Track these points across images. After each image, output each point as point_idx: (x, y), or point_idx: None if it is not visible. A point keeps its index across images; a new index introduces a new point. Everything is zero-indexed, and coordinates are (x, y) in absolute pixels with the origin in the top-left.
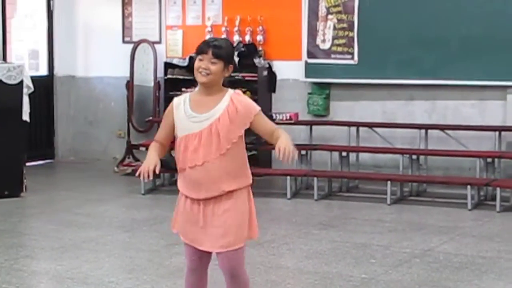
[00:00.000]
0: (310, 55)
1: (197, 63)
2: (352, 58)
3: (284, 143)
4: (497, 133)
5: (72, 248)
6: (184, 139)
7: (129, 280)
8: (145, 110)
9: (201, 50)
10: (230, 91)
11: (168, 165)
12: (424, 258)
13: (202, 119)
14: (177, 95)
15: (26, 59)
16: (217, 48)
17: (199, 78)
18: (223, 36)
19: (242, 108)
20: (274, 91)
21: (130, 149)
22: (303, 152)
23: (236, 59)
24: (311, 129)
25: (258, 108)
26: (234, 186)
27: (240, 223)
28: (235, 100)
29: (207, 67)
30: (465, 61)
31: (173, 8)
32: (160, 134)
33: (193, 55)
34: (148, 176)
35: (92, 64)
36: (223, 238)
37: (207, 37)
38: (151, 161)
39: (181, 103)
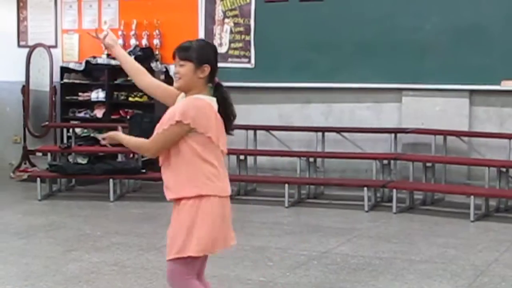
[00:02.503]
0: None
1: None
2: (249, 62)
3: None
4: (392, 135)
5: None
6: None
7: (25, 287)
8: (41, 115)
9: (173, 56)
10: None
11: (65, 171)
12: (322, 260)
13: None
14: (73, 100)
15: None
16: (182, 50)
17: (174, 84)
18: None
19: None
20: None
21: (27, 154)
22: None
23: None
24: None
25: (176, 118)
26: None
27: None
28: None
29: (177, 71)
30: (359, 64)
31: (69, 12)
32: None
33: (89, 59)
34: None
35: None
36: None
37: None
38: None
39: None
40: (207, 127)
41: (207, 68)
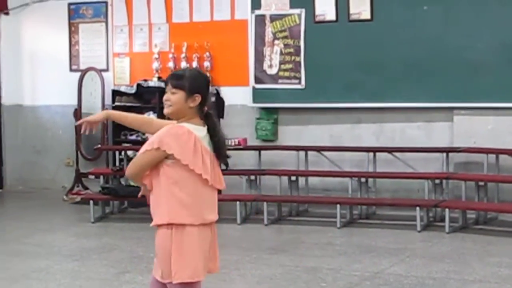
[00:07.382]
0: (258, 80)
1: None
2: (299, 83)
3: None
4: (444, 154)
5: (21, 278)
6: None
7: None
8: (93, 138)
9: (165, 83)
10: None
11: (117, 193)
12: (375, 280)
13: None
14: None
15: None
16: (175, 78)
17: (164, 110)
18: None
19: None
20: (222, 116)
21: (79, 177)
22: (252, 177)
23: None
24: (259, 154)
25: (154, 145)
26: None
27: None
28: None
29: (168, 98)
30: (410, 83)
31: (120, 36)
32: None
33: (140, 82)
34: None
35: (39, 92)
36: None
37: (154, 64)
38: None
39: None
40: (183, 154)
41: (198, 98)
